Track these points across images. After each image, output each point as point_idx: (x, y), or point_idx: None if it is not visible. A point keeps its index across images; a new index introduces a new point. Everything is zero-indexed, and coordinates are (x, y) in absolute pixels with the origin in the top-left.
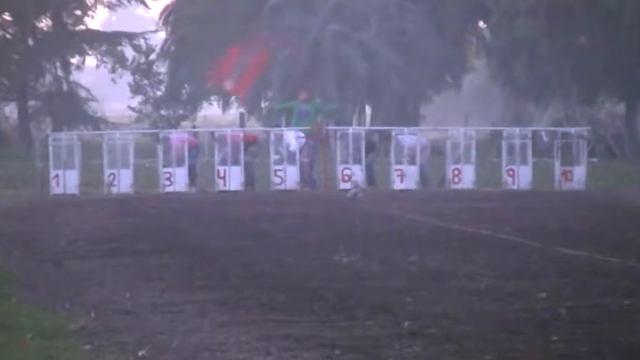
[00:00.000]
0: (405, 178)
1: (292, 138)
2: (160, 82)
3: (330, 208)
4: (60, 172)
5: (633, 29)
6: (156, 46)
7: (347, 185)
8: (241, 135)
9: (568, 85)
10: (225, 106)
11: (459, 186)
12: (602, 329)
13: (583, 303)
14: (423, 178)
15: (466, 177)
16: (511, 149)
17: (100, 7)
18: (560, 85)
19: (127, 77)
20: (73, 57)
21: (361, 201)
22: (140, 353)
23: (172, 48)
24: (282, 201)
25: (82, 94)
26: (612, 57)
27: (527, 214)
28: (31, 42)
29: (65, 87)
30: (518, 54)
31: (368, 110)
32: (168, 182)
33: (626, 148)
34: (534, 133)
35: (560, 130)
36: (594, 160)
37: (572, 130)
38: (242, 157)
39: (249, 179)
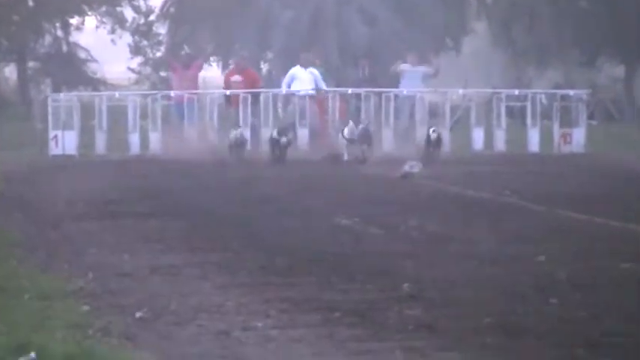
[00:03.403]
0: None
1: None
2: (159, 43)
3: (331, 172)
4: (59, 132)
5: None
6: (155, 7)
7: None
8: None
9: (568, 48)
10: (225, 67)
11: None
12: (601, 293)
13: (582, 266)
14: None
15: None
16: (511, 112)
17: None
18: (561, 48)
19: (127, 38)
20: (72, 18)
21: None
22: (138, 315)
23: (172, 9)
24: (284, 164)
25: (82, 55)
26: (613, 20)
27: (527, 177)
28: (30, 2)
29: (65, 48)
30: (519, 17)
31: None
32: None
33: (625, 112)
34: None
35: (560, 92)
36: (594, 122)
37: (572, 92)
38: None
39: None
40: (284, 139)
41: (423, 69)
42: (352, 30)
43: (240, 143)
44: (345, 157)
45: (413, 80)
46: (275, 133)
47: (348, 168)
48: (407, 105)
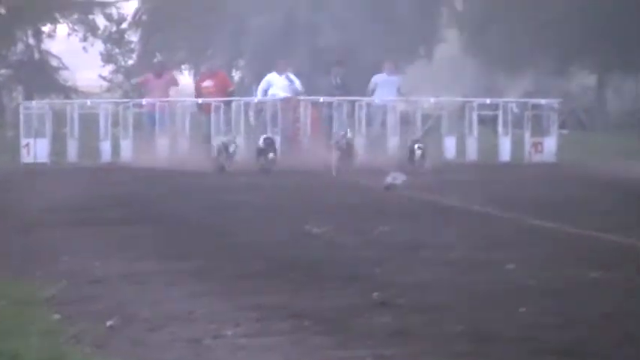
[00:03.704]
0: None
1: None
2: (131, 51)
3: (305, 179)
4: (31, 140)
5: (606, 1)
6: (127, 15)
7: None
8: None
9: (540, 57)
10: (197, 74)
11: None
12: (571, 300)
13: (552, 274)
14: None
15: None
16: (482, 120)
17: None
18: (532, 57)
19: (99, 46)
20: (44, 25)
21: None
22: (109, 323)
23: (144, 17)
24: (258, 171)
25: (54, 62)
26: (584, 29)
27: (498, 186)
28: (2, 10)
29: (37, 56)
30: (490, 25)
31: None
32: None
33: (597, 121)
34: (504, 105)
35: (531, 101)
36: (565, 131)
37: (543, 101)
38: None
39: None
40: (271, 151)
41: (398, 79)
42: (324, 38)
43: (229, 150)
44: (334, 173)
45: (388, 89)
46: (261, 143)
47: (329, 177)
48: (379, 113)
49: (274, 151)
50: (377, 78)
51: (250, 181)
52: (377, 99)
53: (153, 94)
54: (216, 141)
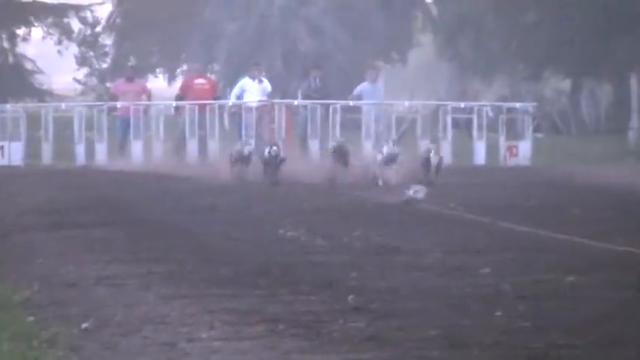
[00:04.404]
0: None
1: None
2: (105, 54)
3: (282, 183)
4: (5, 143)
5: (580, 6)
6: (102, 18)
7: None
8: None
9: (514, 61)
10: (171, 78)
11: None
12: (546, 305)
13: (527, 278)
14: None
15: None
16: (457, 124)
17: None
18: (507, 61)
19: (73, 49)
20: (19, 29)
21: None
22: (84, 325)
23: (118, 20)
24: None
25: (28, 66)
26: (558, 34)
27: (473, 190)
28: None
29: (11, 59)
30: (465, 29)
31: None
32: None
33: (571, 125)
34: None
35: (506, 105)
36: (540, 135)
37: (518, 105)
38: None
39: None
40: (277, 159)
41: (381, 86)
42: (298, 41)
43: (245, 158)
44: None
45: (375, 95)
46: (267, 152)
47: (306, 181)
48: (373, 117)
49: (281, 161)
50: (362, 87)
51: (225, 184)
52: (350, 103)
53: (124, 98)
54: (232, 149)
